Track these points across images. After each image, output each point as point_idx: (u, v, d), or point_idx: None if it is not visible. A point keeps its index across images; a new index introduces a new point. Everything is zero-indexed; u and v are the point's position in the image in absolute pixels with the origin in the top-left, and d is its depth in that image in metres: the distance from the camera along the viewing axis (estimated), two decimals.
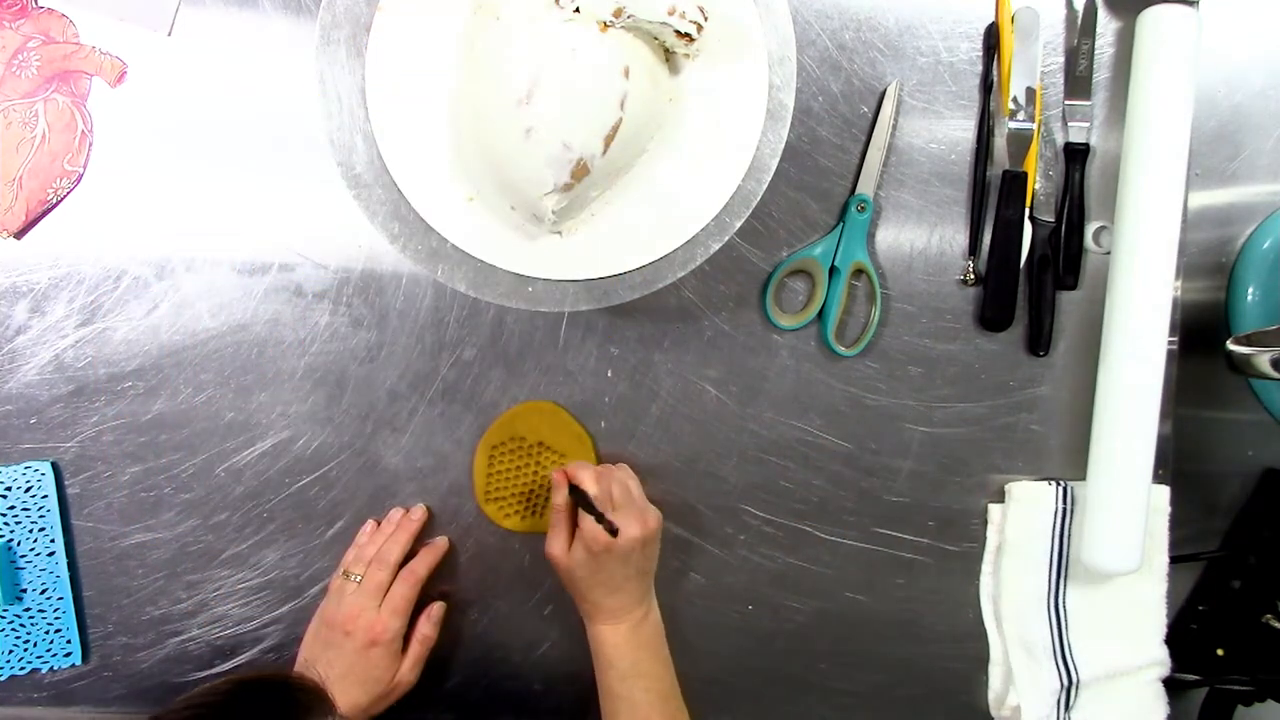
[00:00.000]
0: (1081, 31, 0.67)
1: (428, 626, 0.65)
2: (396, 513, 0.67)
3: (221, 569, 0.67)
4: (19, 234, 0.64)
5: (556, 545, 0.62)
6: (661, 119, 0.56)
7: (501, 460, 0.67)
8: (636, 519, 0.61)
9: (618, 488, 0.62)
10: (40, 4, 0.63)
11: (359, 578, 0.63)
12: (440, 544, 0.67)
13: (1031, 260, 0.67)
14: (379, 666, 0.61)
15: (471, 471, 0.67)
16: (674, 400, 0.68)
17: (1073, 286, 0.68)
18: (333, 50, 0.54)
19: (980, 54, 0.67)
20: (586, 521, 0.60)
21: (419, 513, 0.67)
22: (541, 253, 0.57)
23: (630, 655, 0.61)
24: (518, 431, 0.67)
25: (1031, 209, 0.67)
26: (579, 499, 0.61)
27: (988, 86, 0.67)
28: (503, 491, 0.67)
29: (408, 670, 0.63)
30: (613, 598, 0.61)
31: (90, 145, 0.64)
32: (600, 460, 0.68)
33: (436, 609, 0.66)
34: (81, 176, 0.64)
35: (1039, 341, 0.68)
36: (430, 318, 0.66)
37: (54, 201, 0.64)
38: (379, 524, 0.67)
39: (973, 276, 0.67)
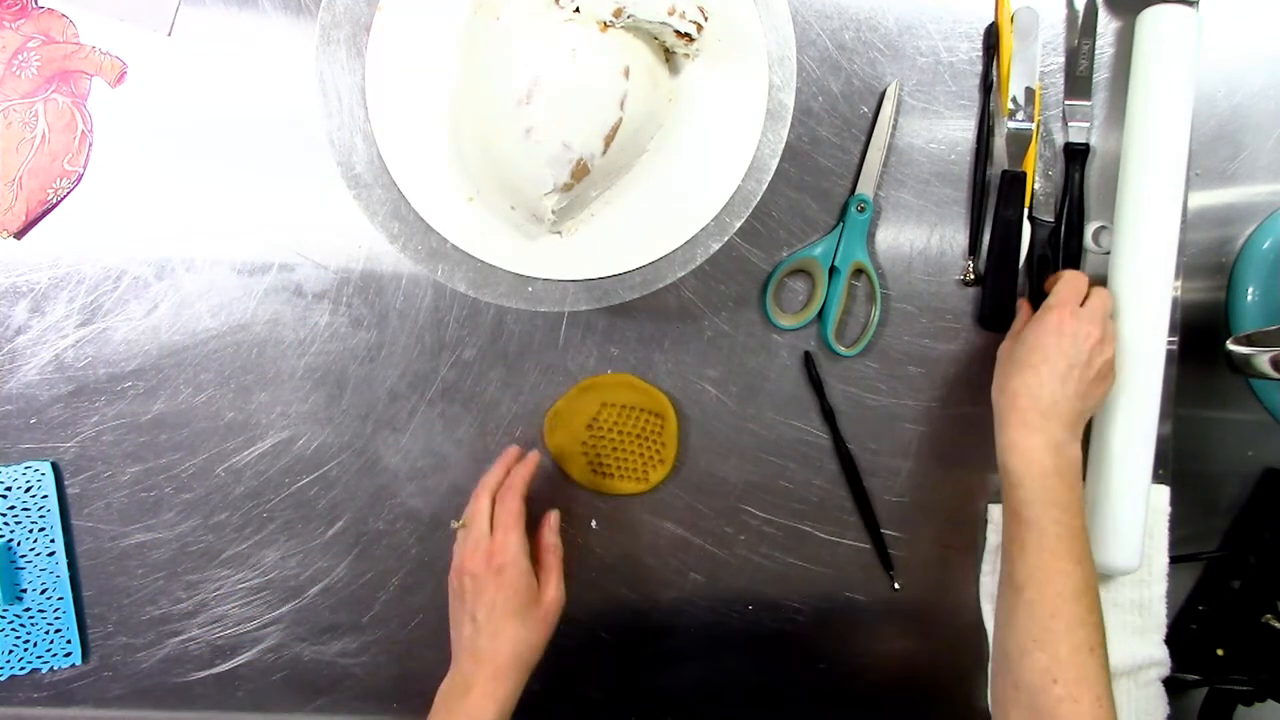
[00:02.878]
0: (1082, 32, 0.67)
1: (549, 537, 0.61)
2: (507, 452, 0.64)
3: (221, 569, 0.67)
4: (19, 234, 0.64)
5: (1007, 342, 0.62)
6: (661, 119, 0.56)
7: (609, 418, 0.67)
8: (1098, 324, 0.59)
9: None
10: (40, 4, 0.63)
11: (462, 524, 0.60)
12: (532, 457, 0.63)
13: (1031, 260, 0.67)
14: (519, 590, 0.57)
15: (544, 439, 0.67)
16: (674, 400, 0.68)
17: None
18: (333, 50, 0.54)
19: (980, 54, 0.67)
20: (1052, 295, 0.61)
21: (531, 460, 0.62)
22: (541, 253, 0.57)
23: (1040, 477, 0.56)
24: (610, 398, 0.67)
25: (1031, 209, 0.67)
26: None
27: (987, 86, 0.67)
28: (604, 446, 0.67)
29: (553, 589, 0.59)
30: (1037, 396, 0.57)
31: (90, 145, 0.64)
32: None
33: (553, 517, 0.62)
34: (81, 176, 0.64)
35: None
36: (430, 318, 0.66)
37: (54, 201, 0.64)
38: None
39: (972, 276, 0.67)
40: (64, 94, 0.63)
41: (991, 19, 0.66)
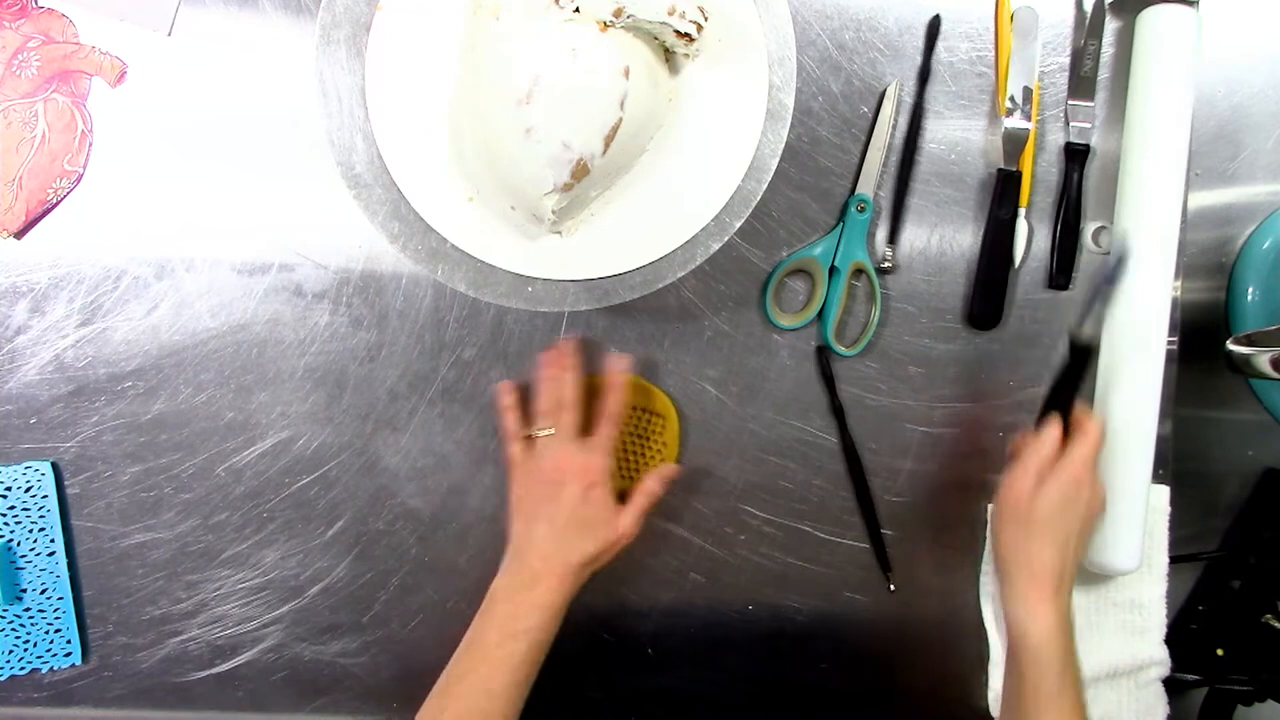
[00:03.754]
0: (1089, 32, 0.67)
1: (655, 481, 0.64)
2: (549, 356, 0.64)
3: (221, 569, 0.67)
4: (19, 234, 0.64)
5: (1023, 484, 0.59)
6: (661, 119, 0.56)
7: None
8: (1100, 485, 0.60)
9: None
10: (40, 4, 0.63)
11: (549, 430, 0.62)
12: (619, 370, 0.63)
13: (1026, 260, 0.68)
14: (603, 509, 0.60)
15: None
16: (674, 400, 0.68)
17: (1065, 286, 0.68)
18: (333, 50, 0.54)
19: (981, 53, 0.67)
20: (1076, 447, 0.58)
21: (568, 345, 0.65)
22: (541, 253, 0.57)
23: (1052, 637, 0.57)
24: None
25: (1029, 215, 0.67)
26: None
27: (923, 78, 0.66)
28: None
29: (630, 521, 0.61)
30: (1055, 555, 0.58)
31: (90, 145, 0.64)
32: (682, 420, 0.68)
33: (671, 469, 0.65)
34: (81, 176, 0.64)
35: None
36: (430, 318, 0.66)
37: (54, 201, 0.64)
38: (515, 386, 0.65)
39: (889, 264, 0.67)
40: (64, 94, 0.63)
41: (935, 12, 0.66)
